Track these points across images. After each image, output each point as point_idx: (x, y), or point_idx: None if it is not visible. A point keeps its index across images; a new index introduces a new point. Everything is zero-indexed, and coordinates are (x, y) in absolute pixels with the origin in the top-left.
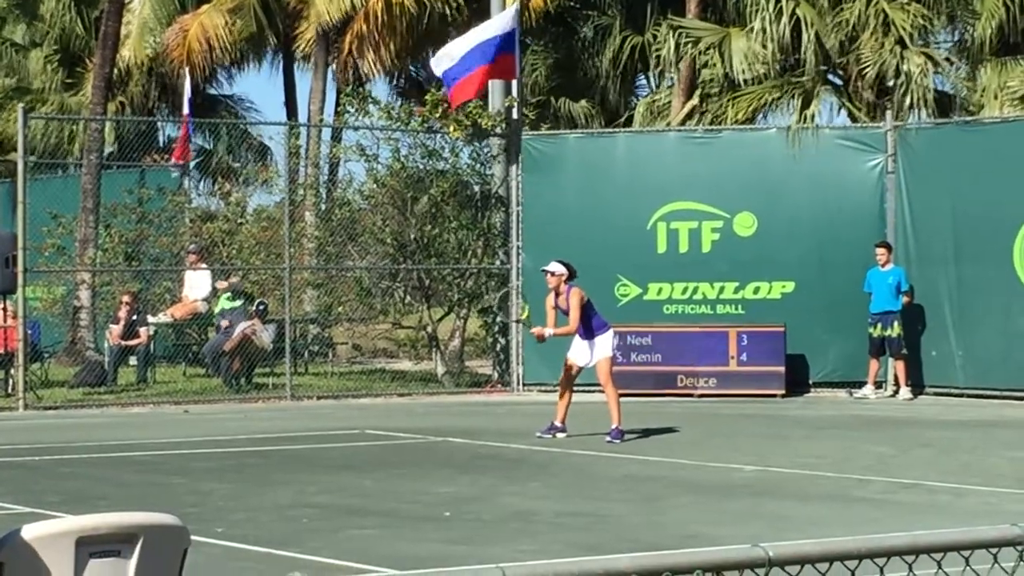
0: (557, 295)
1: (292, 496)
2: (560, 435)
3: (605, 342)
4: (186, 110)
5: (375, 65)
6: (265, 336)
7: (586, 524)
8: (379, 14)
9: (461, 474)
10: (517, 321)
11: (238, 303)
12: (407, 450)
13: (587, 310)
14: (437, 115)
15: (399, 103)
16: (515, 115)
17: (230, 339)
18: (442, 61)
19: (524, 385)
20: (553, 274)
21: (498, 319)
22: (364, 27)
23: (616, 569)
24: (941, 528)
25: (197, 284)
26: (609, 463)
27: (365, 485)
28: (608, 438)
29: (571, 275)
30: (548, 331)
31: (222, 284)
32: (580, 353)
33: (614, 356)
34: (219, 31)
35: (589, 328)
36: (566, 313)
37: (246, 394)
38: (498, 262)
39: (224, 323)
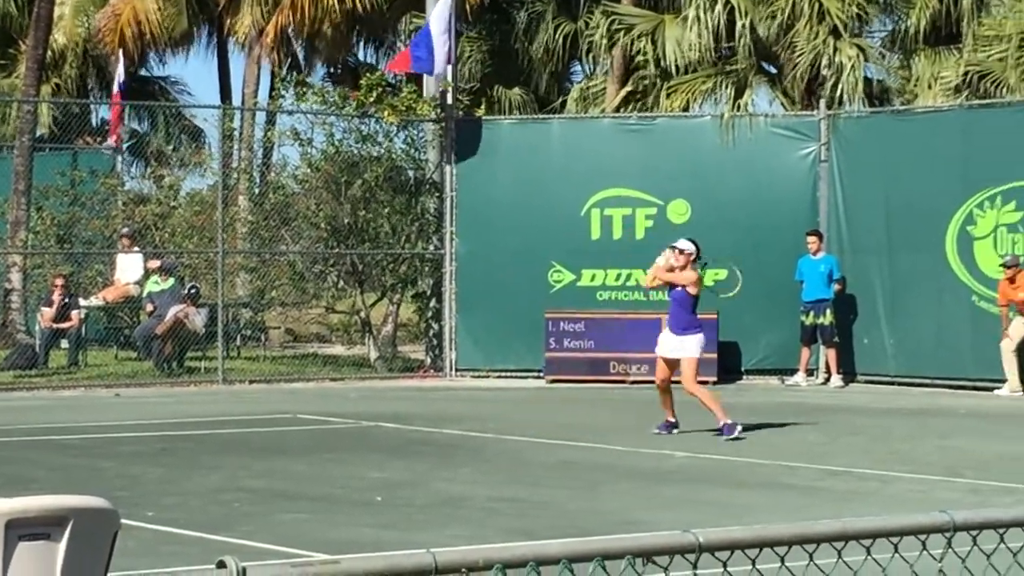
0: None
1: (224, 480)
2: (674, 431)
3: (693, 343)
4: (116, 90)
5: (309, 51)
6: (197, 320)
7: (519, 510)
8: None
9: (393, 459)
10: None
11: (167, 286)
12: (339, 435)
13: (691, 301)
14: (371, 100)
15: (333, 87)
16: (449, 100)
17: (162, 323)
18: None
19: (457, 370)
20: (682, 252)
21: (431, 304)
22: (294, 15)
23: (547, 555)
24: (870, 515)
25: (129, 267)
26: (542, 449)
27: (297, 470)
28: (724, 437)
29: (697, 255)
30: (660, 264)
31: (153, 264)
32: (667, 347)
33: (699, 357)
34: (151, 15)
35: (680, 323)
36: (676, 297)
37: (178, 378)
38: (432, 247)
39: (149, 307)
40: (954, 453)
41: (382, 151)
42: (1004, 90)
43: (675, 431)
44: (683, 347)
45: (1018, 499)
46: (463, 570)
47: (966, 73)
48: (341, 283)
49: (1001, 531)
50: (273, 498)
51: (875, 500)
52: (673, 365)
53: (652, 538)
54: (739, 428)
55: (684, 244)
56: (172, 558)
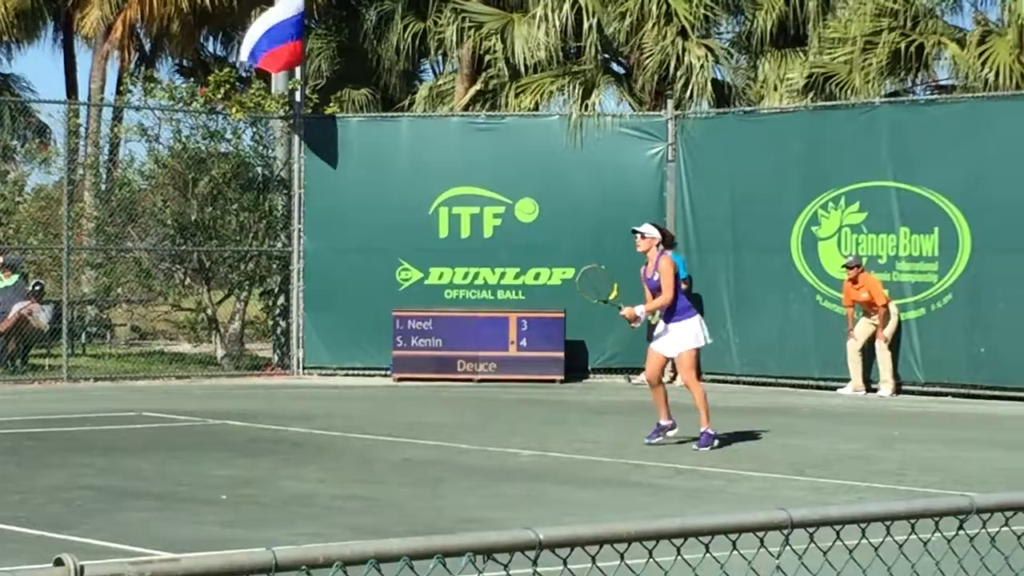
0: (645, 265)
1: (67, 478)
2: (671, 433)
3: (689, 329)
4: None
5: (157, 46)
6: (42, 317)
7: (364, 508)
8: None
9: (239, 457)
10: (604, 301)
11: (11, 282)
12: (185, 433)
13: (675, 285)
14: (219, 96)
15: (182, 83)
16: (298, 98)
17: (5, 319)
18: (245, 49)
19: (304, 368)
20: (644, 236)
21: (279, 302)
22: (142, 9)
23: (388, 552)
24: (714, 512)
25: None
26: (388, 447)
27: (142, 467)
28: (695, 446)
29: (664, 241)
30: (640, 309)
31: None
32: (665, 343)
33: (699, 347)
34: None
35: (672, 309)
36: (652, 288)
37: (21, 375)
38: (279, 245)
39: None
40: (797, 451)
41: (230, 148)
42: (849, 92)
43: (670, 433)
44: (680, 339)
45: (857, 496)
46: (303, 568)
47: (811, 75)
48: (188, 280)
49: (838, 528)
50: (117, 496)
51: (720, 498)
52: (663, 359)
53: (493, 535)
54: (716, 442)
55: (646, 228)
56: (13, 556)
